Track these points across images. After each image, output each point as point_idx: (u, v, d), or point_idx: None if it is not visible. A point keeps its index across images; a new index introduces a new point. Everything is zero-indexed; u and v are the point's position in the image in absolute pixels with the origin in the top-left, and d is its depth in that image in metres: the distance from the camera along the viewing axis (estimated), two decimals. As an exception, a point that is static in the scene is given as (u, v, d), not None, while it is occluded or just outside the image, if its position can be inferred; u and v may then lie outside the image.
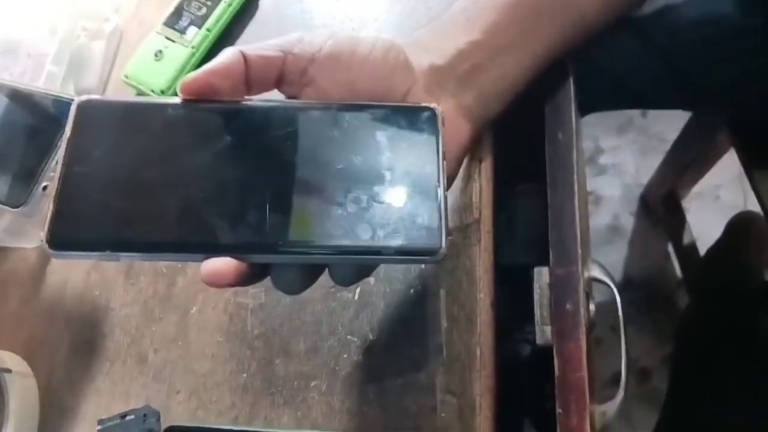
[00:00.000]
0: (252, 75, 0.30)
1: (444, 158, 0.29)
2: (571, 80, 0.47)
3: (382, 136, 0.29)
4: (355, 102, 0.31)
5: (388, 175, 0.28)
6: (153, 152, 0.28)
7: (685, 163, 0.93)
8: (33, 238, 0.48)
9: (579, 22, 0.39)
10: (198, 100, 0.29)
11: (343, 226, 0.27)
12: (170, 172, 0.27)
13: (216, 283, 0.27)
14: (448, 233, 0.27)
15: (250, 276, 0.28)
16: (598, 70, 0.54)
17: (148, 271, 0.45)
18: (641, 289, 1.06)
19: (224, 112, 0.29)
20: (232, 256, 0.27)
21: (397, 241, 0.27)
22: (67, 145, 0.28)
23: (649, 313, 1.02)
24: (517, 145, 0.52)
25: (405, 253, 0.27)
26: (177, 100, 0.30)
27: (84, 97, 0.29)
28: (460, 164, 0.37)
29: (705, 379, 0.66)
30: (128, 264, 0.45)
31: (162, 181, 0.27)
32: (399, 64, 0.33)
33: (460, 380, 0.36)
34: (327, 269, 0.30)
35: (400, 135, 0.29)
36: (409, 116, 0.30)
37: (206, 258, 0.27)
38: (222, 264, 0.27)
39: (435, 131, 0.30)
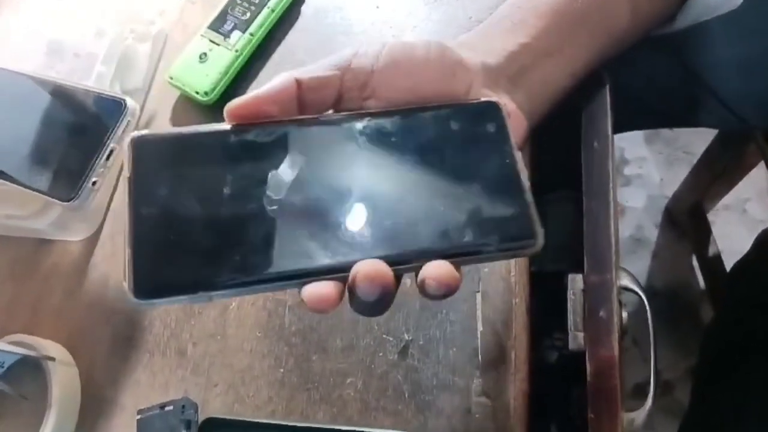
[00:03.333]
0: (307, 98, 0.30)
1: (518, 148, 0.29)
2: (608, 89, 0.48)
3: (455, 134, 0.29)
4: (416, 105, 0.30)
5: (471, 172, 0.28)
6: (221, 181, 0.27)
7: (713, 176, 0.93)
8: (77, 231, 0.49)
9: (614, 36, 0.40)
10: (249, 123, 0.28)
11: (441, 229, 0.26)
12: (245, 199, 0.26)
13: (323, 309, 0.25)
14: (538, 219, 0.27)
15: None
16: (626, 89, 0.54)
17: (189, 267, 0.46)
18: (664, 300, 1.05)
19: (285, 130, 0.28)
20: (331, 279, 0.25)
21: (497, 237, 0.26)
22: (129, 184, 0.26)
23: (671, 325, 1.01)
24: (549, 153, 0.53)
25: (506, 249, 0.27)
26: (227, 126, 0.28)
27: (136, 134, 0.28)
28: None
29: (729, 393, 0.66)
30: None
31: (240, 210, 0.26)
32: (456, 64, 0.33)
33: (494, 383, 0.37)
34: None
35: (471, 131, 0.29)
36: (474, 112, 0.30)
37: (305, 284, 0.25)
38: (324, 288, 0.25)
39: (503, 123, 0.30)
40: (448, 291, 0.26)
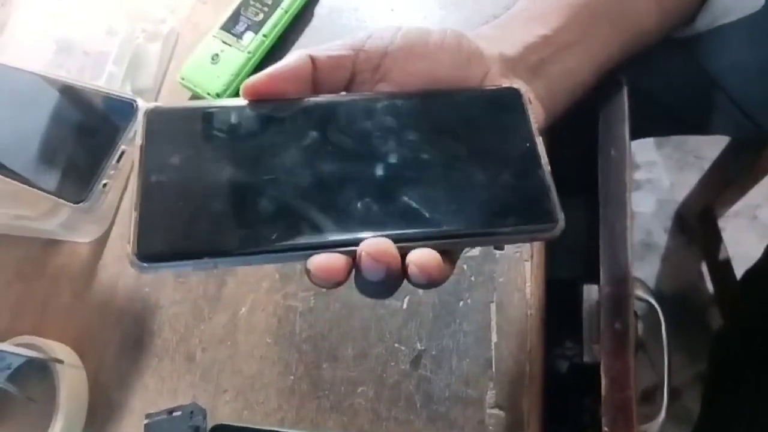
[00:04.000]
0: (321, 77, 0.30)
1: (539, 134, 0.29)
2: (626, 96, 0.47)
3: (474, 117, 0.29)
4: (438, 89, 0.30)
5: (490, 155, 0.27)
6: (232, 153, 0.27)
7: (725, 181, 0.92)
8: (87, 233, 0.49)
9: (637, 31, 0.39)
10: (264, 100, 0.29)
11: (455, 209, 0.26)
12: (256, 171, 0.26)
13: (327, 279, 0.25)
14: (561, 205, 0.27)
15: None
16: (645, 95, 0.53)
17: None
18: (673, 306, 1.05)
19: (299, 107, 0.28)
20: (340, 252, 0.25)
21: (514, 218, 0.26)
22: (141, 153, 0.26)
23: (680, 330, 1.00)
24: (563, 159, 0.52)
25: (526, 232, 0.26)
26: (242, 101, 0.29)
27: (151, 105, 0.28)
28: None
29: (739, 400, 0.66)
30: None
31: (249, 181, 0.26)
32: (472, 52, 0.32)
33: (508, 395, 0.36)
34: None
35: (491, 115, 0.29)
36: (495, 98, 0.30)
37: (311, 256, 0.25)
38: (331, 259, 0.25)
39: (524, 109, 0.29)
40: (429, 280, 0.25)
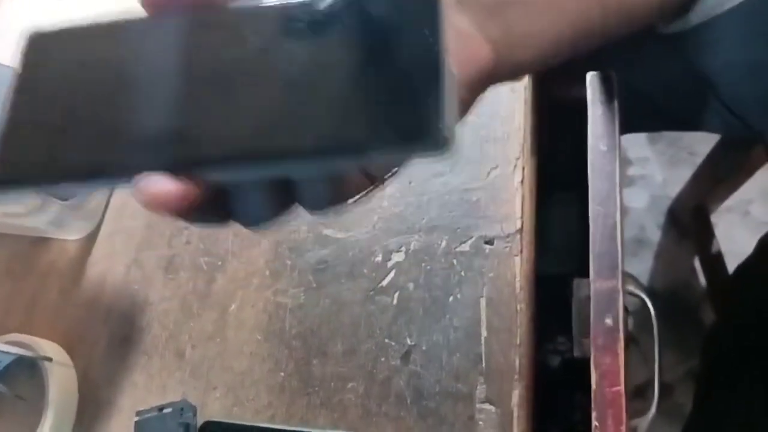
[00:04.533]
0: None
1: (447, 45, 0.23)
2: (616, 91, 0.47)
3: (363, 20, 0.25)
4: None
5: (372, 65, 0.24)
6: (101, 76, 0.25)
7: (717, 177, 0.92)
8: (75, 230, 0.49)
9: (598, 10, 0.36)
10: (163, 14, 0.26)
11: (320, 123, 0.23)
12: (113, 93, 0.25)
13: (155, 204, 0.23)
14: (453, 122, 0.22)
15: (205, 204, 0.24)
16: (635, 90, 0.53)
17: (188, 266, 0.46)
18: (665, 301, 1.05)
19: (180, 23, 0.26)
20: (173, 173, 0.23)
21: (383, 133, 0.22)
22: (17, 80, 0.26)
23: (672, 326, 1.01)
24: (553, 154, 0.52)
25: (396, 149, 0.22)
26: (129, 17, 0.26)
27: (34, 30, 0.27)
28: (478, 91, 0.32)
29: (732, 396, 0.66)
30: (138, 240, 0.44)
31: (105, 104, 0.25)
32: None
33: (498, 390, 0.36)
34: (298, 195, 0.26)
35: (391, 18, 0.25)
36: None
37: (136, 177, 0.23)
38: (161, 184, 0.23)
39: (434, 14, 0.24)
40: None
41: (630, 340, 0.43)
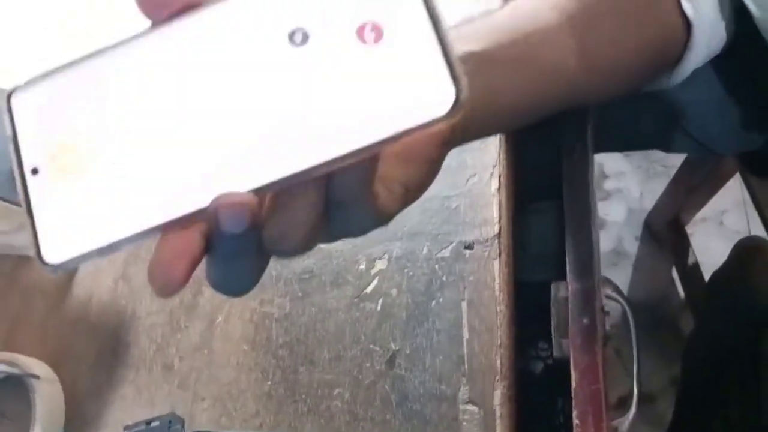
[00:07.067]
0: None
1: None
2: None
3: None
4: None
5: (366, 39, 0.21)
6: (114, 114, 0.22)
7: (690, 188, 0.95)
8: (61, 247, 0.49)
9: (559, 71, 0.34)
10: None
11: (333, 120, 0.21)
12: (127, 133, 0.22)
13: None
14: (459, 78, 0.21)
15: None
16: (604, 112, 0.54)
17: (174, 281, 0.46)
18: (645, 311, 1.07)
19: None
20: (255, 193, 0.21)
21: (400, 113, 0.21)
22: (14, 145, 0.22)
23: (652, 335, 1.02)
24: (528, 164, 0.54)
25: (414, 125, 0.21)
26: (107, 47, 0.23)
27: (12, 88, 0.23)
28: (450, 147, 0.30)
29: (712, 402, 0.67)
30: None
31: (122, 146, 0.22)
32: None
33: (481, 390, 0.37)
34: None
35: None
36: None
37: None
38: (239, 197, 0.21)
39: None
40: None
41: (608, 340, 0.44)
